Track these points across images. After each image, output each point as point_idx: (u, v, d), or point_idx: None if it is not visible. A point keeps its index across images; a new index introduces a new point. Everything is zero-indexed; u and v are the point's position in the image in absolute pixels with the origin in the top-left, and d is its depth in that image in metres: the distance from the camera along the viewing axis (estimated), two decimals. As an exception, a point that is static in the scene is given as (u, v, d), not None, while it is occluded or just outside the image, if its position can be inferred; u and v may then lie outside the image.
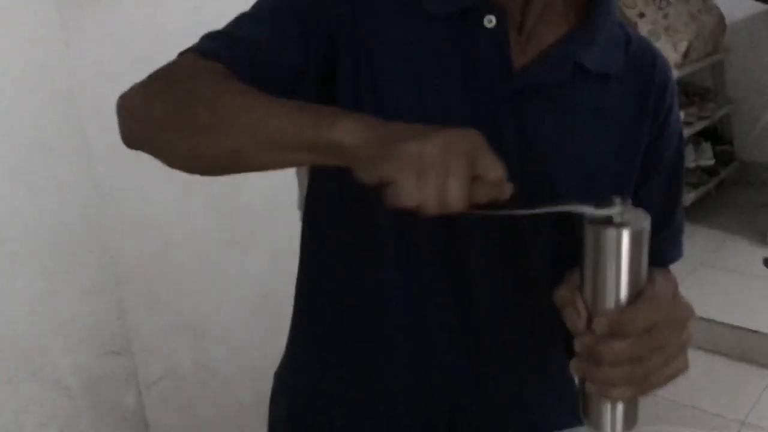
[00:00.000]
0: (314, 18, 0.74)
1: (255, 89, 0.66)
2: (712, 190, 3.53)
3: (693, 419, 2.31)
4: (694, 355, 2.25)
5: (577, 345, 0.59)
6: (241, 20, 0.77)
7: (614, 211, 0.56)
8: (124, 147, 1.68)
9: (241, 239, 1.93)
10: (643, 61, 0.80)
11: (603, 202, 0.57)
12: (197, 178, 1.94)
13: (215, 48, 0.73)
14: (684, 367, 0.60)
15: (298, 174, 2.04)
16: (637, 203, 0.81)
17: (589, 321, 0.59)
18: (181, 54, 0.74)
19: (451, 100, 0.74)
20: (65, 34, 1.49)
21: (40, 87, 1.47)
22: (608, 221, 0.56)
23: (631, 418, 0.61)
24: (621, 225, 0.56)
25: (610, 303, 0.57)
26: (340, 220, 0.83)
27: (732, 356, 2.62)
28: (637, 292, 0.57)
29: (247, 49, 0.73)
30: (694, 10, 3.29)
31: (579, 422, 0.93)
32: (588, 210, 0.57)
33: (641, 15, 3.17)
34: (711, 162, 3.53)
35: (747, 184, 3.76)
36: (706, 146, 3.54)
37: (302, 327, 0.92)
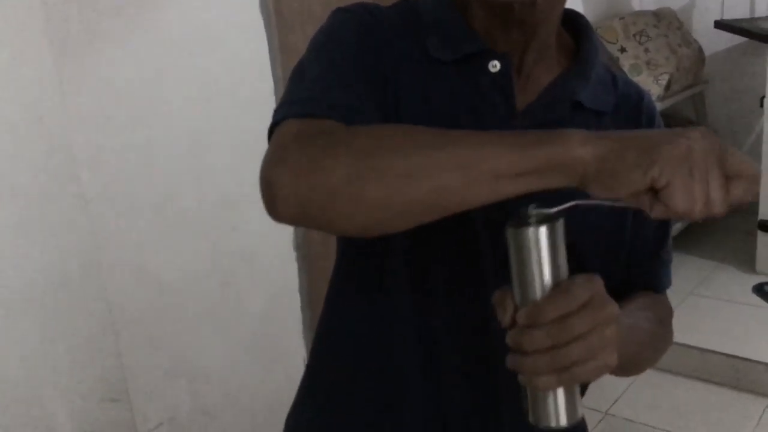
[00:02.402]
0: (369, 66, 0.75)
1: (427, 126, 0.63)
2: (698, 220, 3.57)
3: (691, 450, 2.31)
4: (688, 385, 2.26)
5: (507, 339, 0.62)
6: (309, 80, 0.74)
7: (530, 212, 0.60)
8: (120, 194, 1.68)
9: (237, 281, 1.93)
10: (631, 97, 0.84)
11: (520, 209, 0.61)
12: (193, 221, 1.94)
13: (317, 110, 0.69)
14: (611, 363, 0.62)
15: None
16: (634, 235, 0.83)
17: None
18: (277, 123, 0.69)
19: None
20: (62, 83, 1.50)
21: (37, 136, 1.48)
22: (526, 222, 0.61)
23: (571, 411, 0.63)
24: (537, 223, 0.60)
25: (530, 297, 0.61)
26: (351, 252, 0.85)
27: (725, 385, 2.63)
28: (555, 287, 0.61)
29: (343, 108, 0.70)
30: (673, 43, 3.37)
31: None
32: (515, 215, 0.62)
33: (623, 50, 3.24)
34: (696, 191, 3.58)
35: (733, 212, 3.79)
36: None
37: (316, 370, 0.93)
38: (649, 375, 2.70)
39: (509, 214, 0.61)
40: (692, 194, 0.54)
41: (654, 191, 0.56)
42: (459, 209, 0.62)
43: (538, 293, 0.61)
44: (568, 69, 0.80)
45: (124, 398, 1.70)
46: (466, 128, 0.75)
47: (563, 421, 0.63)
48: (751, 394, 2.57)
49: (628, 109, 0.83)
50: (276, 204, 0.63)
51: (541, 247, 0.60)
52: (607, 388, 2.59)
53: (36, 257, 1.50)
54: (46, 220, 1.51)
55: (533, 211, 0.60)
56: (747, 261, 3.26)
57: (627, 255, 0.85)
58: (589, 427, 0.99)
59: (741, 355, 2.61)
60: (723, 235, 3.62)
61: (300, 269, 2.09)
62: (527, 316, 0.60)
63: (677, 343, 2.95)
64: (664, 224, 0.87)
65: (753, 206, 3.17)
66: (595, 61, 0.81)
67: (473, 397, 0.84)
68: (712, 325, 2.82)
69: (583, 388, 0.91)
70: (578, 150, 0.57)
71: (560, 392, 0.63)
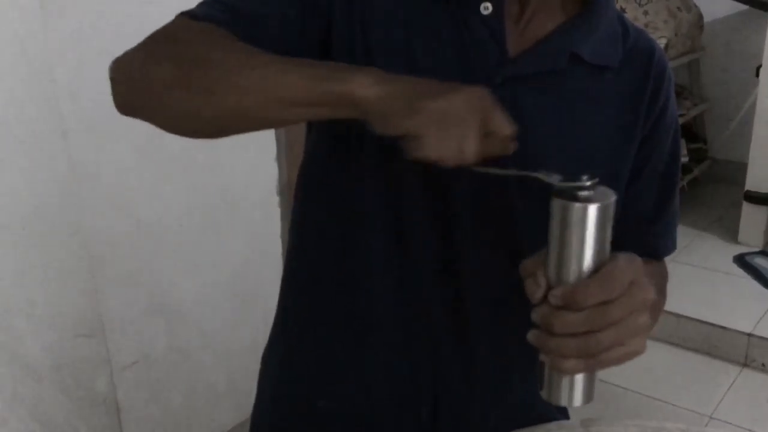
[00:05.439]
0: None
1: (260, 49, 0.67)
2: (684, 187, 3.57)
3: (662, 413, 2.35)
4: (663, 349, 2.29)
5: (534, 315, 0.60)
6: None
7: (582, 185, 0.57)
8: (100, 125, 1.65)
9: (217, 223, 1.91)
10: (641, 54, 0.81)
11: (571, 176, 0.58)
12: (175, 159, 1.92)
13: (213, 13, 0.72)
14: (640, 350, 0.61)
15: (278, 159, 2.02)
16: (633, 195, 0.81)
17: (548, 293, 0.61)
18: (177, 17, 0.73)
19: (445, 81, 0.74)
20: (43, 8, 1.45)
21: (18, 62, 1.43)
22: (575, 196, 0.57)
23: (587, 393, 0.62)
24: (587, 200, 0.57)
25: (570, 277, 0.58)
26: (327, 194, 0.83)
27: (701, 351, 2.66)
28: (597, 268, 0.58)
29: (246, 16, 0.72)
30: (673, 7, 3.32)
31: (565, 416, 0.94)
32: (556, 181, 0.59)
33: (622, 10, 3.19)
34: (685, 159, 3.58)
35: (719, 182, 3.81)
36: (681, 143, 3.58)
37: (288, 306, 0.92)
38: (625, 338, 2.73)
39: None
40: (443, 147, 0.60)
41: (411, 138, 0.60)
42: (259, 128, 0.69)
43: (577, 273, 0.58)
44: (573, 18, 0.77)
45: (100, 334, 1.69)
46: (448, 73, 0.74)
47: (577, 401, 0.62)
48: (724, 361, 2.61)
49: (636, 65, 0.80)
50: (113, 96, 0.70)
51: (589, 227, 0.57)
52: (582, 349, 2.61)
53: (12, 187, 1.47)
54: (24, 150, 1.47)
55: (587, 182, 0.57)
56: (730, 231, 3.28)
57: (623, 215, 0.83)
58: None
59: (716, 322, 2.64)
60: (708, 204, 3.63)
61: (282, 214, 2.08)
62: (566, 297, 0.58)
63: (655, 308, 2.96)
64: (668, 186, 0.85)
65: (740, 177, 3.18)
66: (605, 11, 0.78)
67: (444, 333, 0.83)
68: (691, 292, 2.85)
69: None
70: (361, 90, 0.61)
71: (580, 374, 0.61)
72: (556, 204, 0.58)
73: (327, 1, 0.74)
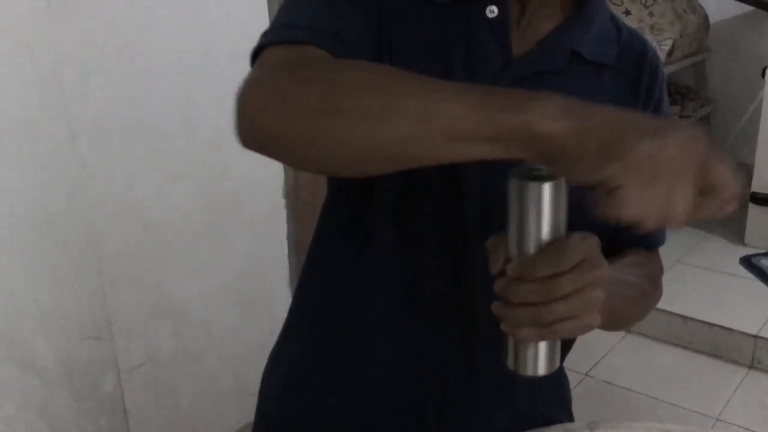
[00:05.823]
0: (365, 5, 0.73)
1: (410, 72, 0.59)
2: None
3: (668, 415, 2.35)
4: (670, 351, 2.28)
5: (495, 287, 0.62)
6: (300, 6, 0.72)
7: (535, 166, 0.59)
8: (109, 128, 1.66)
9: (223, 226, 1.92)
10: (635, 51, 0.82)
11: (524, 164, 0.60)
12: (182, 162, 1.92)
13: (305, 37, 0.67)
14: (594, 323, 0.62)
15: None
16: None
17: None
18: (262, 50, 0.68)
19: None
20: (51, 10, 1.46)
21: (26, 66, 1.45)
22: (530, 176, 0.60)
23: (550, 362, 0.65)
24: (541, 179, 0.59)
25: (523, 251, 0.61)
26: (341, 199, 0.85)
27: (707, 353, 2.66)
28: (550, 243, 0.61)
29: (328, 35, 0.68)
30: (679, 8, 3.32)
31: (569, 418, 0.94)
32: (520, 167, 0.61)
33: (627, 12, 3.19)
34: (691, 161, 3.57)
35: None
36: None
37: (300, 306, 0.93)
38: (630, 340, 2.73)
39: (501, 166, 0.60)
40: (646, 204, 0.48)
41: (608, 190, 0.50)
42: (415, 165, 0.58)
43: (532, 248, 0.60)
44: (571, 18, 0.79)
45: (107, 336, 1.70)
46: (458, 75, 0.75)
47: (541, 370, 0.64)
48: (731, 363, 2.60)
49: (631, 62, 0.82)
50: (243, 129, 0.62)
51: (543, 204, 0.59)
52: (588, 351, 2.61)
53: (21, 190, 1.48)
54: (33, 153, 1.48)
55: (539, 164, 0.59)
56: (736, 233, 3.27)
57: None
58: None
59: (723, 324, 2.64)
60: (714, 205, 3.62)
61: (288, 217, 2.09)
62: (517, 269, 0.60)
63: (660, 310, 2.98)
64: None
65: (746, 178, 3.17)
66: (599, 11, 0.80)
67: (450, 337, 0.84)
68: (697, 293, 2.84)
69: (567, 347, 0.91)
70: (544, 124, 0.51)
71: (541, 344, 0.64)
72: (513, 183, 0.60)
73: (372, 15, 0.73)
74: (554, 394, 0.95)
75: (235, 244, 1.96)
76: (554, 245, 0.59)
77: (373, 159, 0.59)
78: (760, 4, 3.37)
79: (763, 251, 3.14)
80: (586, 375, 2.53)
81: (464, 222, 0.78)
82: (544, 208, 0.60)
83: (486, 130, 0.53)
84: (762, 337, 2.56)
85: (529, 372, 0.65)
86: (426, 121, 0.54)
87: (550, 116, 0.51)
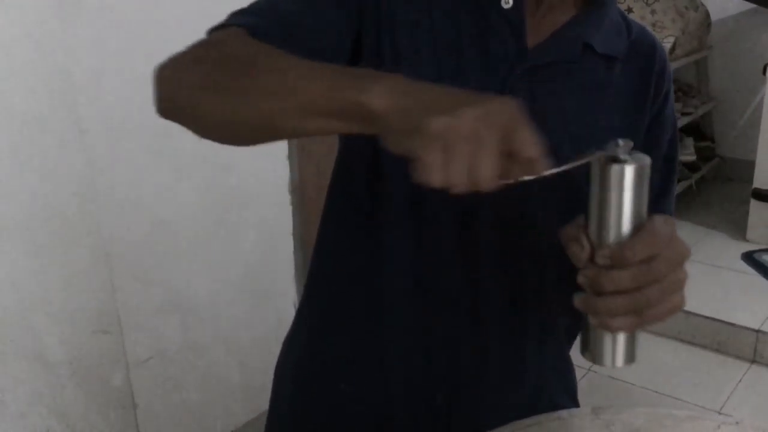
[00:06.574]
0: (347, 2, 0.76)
1: (294, 55, 0.64)
2: (693, 185, 3.58)
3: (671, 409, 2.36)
4: (672, 346, 2.29)
5: (581, 278, 0.62)
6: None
7: (619, 150, 0.60)
8: (117, 125, 1.68)
9: (231, 221, 1.94)
10: (644, 46, 0.85)
11: (607, 145, 0.60)
12: (189, 158, 1.94)
13: (249, 20, 0.72)
14: (682, 304, 0.63)
15: (290, 158, 2.05)
16: None
17: (593, 256, 0.62)
18: (214, 29, 0.74)
19: (468, 75, 0.77)
20: (61, 8, 1.48)
21: (37, 63, 1.46)
22: (613, 159, 0.60)
23: (630, 353, 0.64)
24: (625, 161, 0.59)
25: (613, 237, 0.60)
26: (348, 184, 0.86)
27: (710, 348, 2.67)
28: (637, 227, 0.61)
29: (284, 23, 0.73)
30: (680, 6, 3.33)
31: (575, 404, 0.96)
32: (597, 153, 0.61)
33: (629, 10, 3.21)
34: (693, 157, 3.58)
35: (727, 181, 3.82)
36: (688, 142, 3.58)
37: (313, 293, 0.95)
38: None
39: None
40: (446, 170, 0.52)
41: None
42: (283, 137, 0.65)
43: (618, 234, 0.60)
44: (583, 12, 0.81)
45: (116, 330, 1.72)
46: (472, 66, 0.76)
47: (620, 362, 0.64)
48: (733, 358, 2.62)
49: (640, 56, 0.84)
50: (154, 98, 0.69)
51: (630, 187, 0.59)
52: (591, 346, 2.62)
53: (31, 185, 1.50)
54: (42, 148, 1.50)
55: (623, 144, 0.59)
56: (738, 229, 3.28)
57: None
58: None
59: (725, 319, 2.65)
60: (716, 202, 3.64)
61: (294, 212, 2.10)
62: (613, 256, 0.60)
63: (664, 304, 2.95)
64: (669, 172, 0.88)
65: (748, 175, 3.19)
66: (610, 6, 0.82)
67: (460, 321, 0.85)
68: (699, 289, 2.85)
69: (573, 336, 0.93)
70: (375, 102, 0.55)
71: (621, 335, 0.63)
72: (595, 168, 0.60)
73: (357, 7, 0.76)
74: (561, 382, 0.97)
75: (242, 240, 1.98)
76: (647, 228, 0.60)
77: (248, 131, 0.65)
78: (761, 2, 3.38)
79: (765, 247, 3.15)
80: (589, 370, 2.55)
81: (474, 203, 0.80)
82: (631, 191, 0.59)
83: (330, 106, 0.58)
84: (764, 332, 2.57)
85: (608, 364, 0.64)
86: (285, 97, 0.60)
87: (381, 95, 0.55)
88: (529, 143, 0.54)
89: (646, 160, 0.60)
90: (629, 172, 0.59)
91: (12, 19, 1.41)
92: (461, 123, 0.52)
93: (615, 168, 0.59)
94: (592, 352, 0.65)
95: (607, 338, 0.63)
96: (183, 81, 0.67)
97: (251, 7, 0.76)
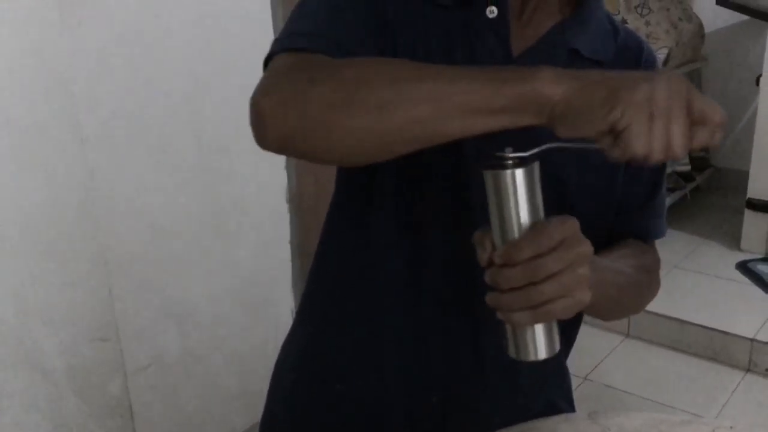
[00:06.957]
0: (369, 8, 0.77)
1: (406, 60, 0.66)
2: (687, 195, 3.60)
3: (666, 417, 2.37)
4: (667, 355, 2.30)
5: (486, 277, 0.66)
6: (306, 17, 0.77)
7: (506, 154, 0.63)
8: (117, 135, 1.69)
9: (229, 229, 1.95)
10: (631, 49, 0.86)
11: (497, 152, 0.64)
12: (188, 167, 1.95)
13: (309, 44, 0.72)
14: (585, 300, 0.65)
15: (288, 167, 2.06)
16: (626, 181, 0.86)
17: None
18: (272, 57, 0.73)
19: None
20: (62, 19, 1.49)
21: (37, 72, 1.47)
22: (502, 164, 0.63)
23: (549, 345, 0.68)
24: (514, 166, 0.63)
25: (507, 238, 0.65)
26: (346, 191, 0.88)
27: (705, 357, 2.69)
28: (531, 228, 0.65)
29: (326, 42, 0.73)
30: (674, 17, 3.36)
31: (572, 408, 0.97)
32: (482, 161, 0.65)
33: (624, 22, 3.24)
34: (687, 168, 3.61)
35: (721, 190, 3.84)
36: (683, 152, 3.61)
37: (311, 295, 0.96)
38: (628, 343, 2.76)
39: (498, 148, 0.64)
40: (650, 138, 0.56)
41: (616, 133, 0.57)
42: (433, 142, 0.64)
43: (515, 234, 0.64)
44: (569, 16, 0.82)
45: (114, 338, 1.73)
46: None
47: (542, 354, 0.67)
48: (727, 366, 2.63)
49: (627, 61, 0.85)
50: (263, 131, 0.66)
51: (518, 189, 0.63)
52: (586, 354, 2.64)
53: (31, 193, 1.51)
54: (43, 157, 1.51)
55: (509, 153, 0.63)
56: (733, 238, 3.30)
57: (618, 205, 0.87)
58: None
59: (720, 328, 2.67)
60: (711, 211, 3.66)
61: (292, 221, 2.11)
62: (503, 256, 0.64)
63: (658, 314, 2.99)
64: (656, 176, 0.89)
65: (742, 185, 3.21)
66: (597, 9, 0.83)
67: (453, 329, 0.86)
68: (694, 298, 2.87)
69: (570, 344, 0.94)
70: (548, 88, 0.58)
71: (539, 327, 0.67)
72: (487, 175, 0.64)
73: (375, 23, 0.77)
74: (558, 386, 0.98)
75: (240, 248, 1.99)
76: (534, 228, 0.63)
77: (392, 143, 0.64)
78: (754, 13, 3.42)
79: (759, 256, 3.17)
80: (585, 378, 2.56)
81: (468, 207, 0.81)
82: (520, 194, 0.63)
83: (497, 101, 0.59)
84: (758, 341, 2.59)
85: (531, 357, 0.67)
86: (440, 100, 0.61)
87: (551, 81, 0.58)
88: (714, 110, 0.58)
89: (534, 164, 0.63)
90: (509, 177, 0.63)
91: (12, 30, 1.42)
92: (660, 92, 0.56)
93: (497, 174, 0.63)
94: (513, 347, 0.68)
95: (523, 333, 0.67)
96: (308, 104, 0.64)
97: (292, 32, 0.75)
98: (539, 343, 0.67)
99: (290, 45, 0.73)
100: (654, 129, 0.56)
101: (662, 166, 0.90)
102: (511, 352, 0.68)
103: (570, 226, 0.65)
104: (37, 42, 1.46)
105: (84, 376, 1.67)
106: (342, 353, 0.91)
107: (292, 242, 2.14)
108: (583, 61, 0.81)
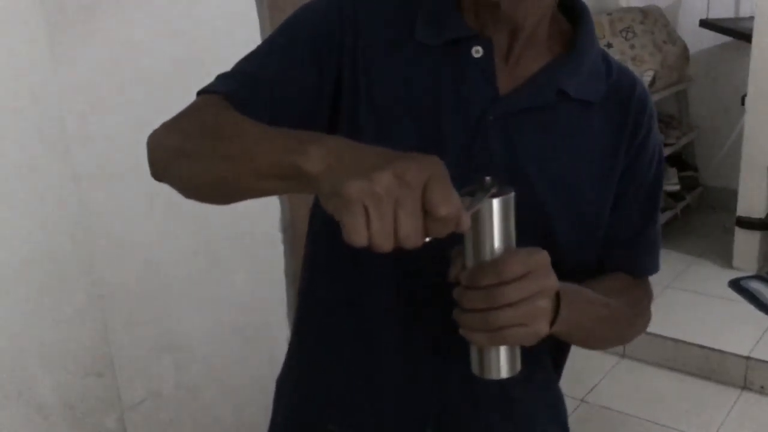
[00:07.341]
0: (324, 47, 0.80)
1: (252, 119, 0.69)
2: (678, 215, 3.63)
3: (663, 437, 2.37)
4: (663, 375, 2.32)
5: (454, 294, 0.69)
6: (254, 57, 0.83)
7: (487, 182, 0.66)
8: (110, 170, 1.70)
9: (222, 261, 1.95)
10: (622, 90, 0.86)
11: (477, 180, 0.67)
12: (180, 201, 1.96)
13: (227, 85, 0.79)
14: (542, 332, 0.68)
15: (280, 198, 2.07)
16: (616, 219, 0.87)
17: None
18: (201, 92, 0.80)
19: (443, 122, 0.80)
20: (54, 57, 1.51)
21: (29, 110, 1.49)
22: (481, 192, 0.66)
23: (510, 366, 0.71)
24: (492, 196, 0.66)
25: (479, 261, 0.68)
26: (325, 228, 0.89)
27: (700, 375, 2.69)
28: (499, 255, 0.68)
29: (262, 89, 0.78)
30: (659, 40, 3.41)
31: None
32: (462, 190, 0.66)
33: (609, 45, 3.28)
34: (677, 187, 3.64)
35: (711, 209, 3.87)
36: (672, 172, 3.64)
37: (301, 333, 0.96)
38: (624, 364, 2.76)
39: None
40: (369, 231, 0.54)
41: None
42: (245, 197, 0.68)
43: (486, 258, 0.67)
44: (559, 57, 0.83)
45: (109, 373, 1.72)
46: (447, 113, 0.79)
47: (503, 373, 0.70)
48: (723, 385, 2.64)
49: (618, 100, 0.85)
50: (148, 162, 0.76)
51: (493, 218, 0.66)
52: (583, 377, 2.64)
53: (24, 230, 1.51)
54: (36, 193, 1.52)
55: (490, 181, 0.65)
56: (724, 257, 3.32)
57: (605, 237, 0.87)
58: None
59: (714, 346, 2.67)
60: (702, 230, 3.68)
61: (286, 251, 2.12)
62: (468, 277, 0.67)
63: (653, 334, 3.00)
64: (648, 207, 0.90)
65: (732, 203, 3.23)
66: (590, 51, 0.83)
67: (449, 356, 0.86)
68: (688, 317, 2.88)
69: (558, 374, 0.95)
70: (309, 164, 0.58)
71: (502, 349, 0.70)
72: (464, 202, 0.64)
73: (337, 61, 0.80)
74: (551, 413, 0.98)
75: (234, 279, 1.99)
76: (501, 257, 0.66)
77: (218, 193, 0.71)
78: (737, 34, 3.47)
79: (751, 274, 3.19)
80: (582, 401, 2.56)
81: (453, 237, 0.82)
82: (495, 222, 0.66)
83: (276, 169, 0.61)
84: (753, 358, 2.59)
85: (493, 375, 0.70)
86: (242, 162, 0.64)
87: (316, 158, 0.58)
88: (440, 202, 0.55)
89: (510, 193, 0.66)
90: (485, 205, 0.65)
91: (3, 66, 1.44)
92: (374, 185, 0.53)
93: (484, 202, 0.65)
94: (477, 366, 0.71)
95: (486, 352, 0.70)
96: (165, 147, 0.74)
97: (235, 70, 0.82)
98: (502, 363, 0.70)
99: (210, 87, 0.80)
100: (372, 222, 0.54)
101: (655, 197, 0.90)
102: (475, 370, 0.71)
103: (538, 258, 0.67)
104: (29, 81, 1.48)
105: (80, 411, 1.67)
106: (333, 393, 0.92)
107: (286, 272, 2.14)
108: (571, 102, 0.82)
